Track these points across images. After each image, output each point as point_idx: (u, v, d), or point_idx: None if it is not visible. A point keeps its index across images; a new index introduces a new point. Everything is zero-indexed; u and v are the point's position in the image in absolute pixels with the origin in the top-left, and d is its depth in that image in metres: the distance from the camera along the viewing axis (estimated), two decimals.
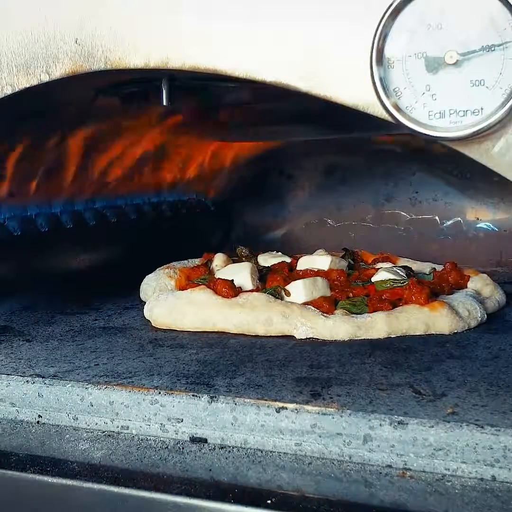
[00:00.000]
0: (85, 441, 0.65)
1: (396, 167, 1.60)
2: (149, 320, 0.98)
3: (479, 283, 1.07)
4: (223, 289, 0.94)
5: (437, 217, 1.55)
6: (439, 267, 1.14)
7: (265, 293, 0.94)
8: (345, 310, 0.91)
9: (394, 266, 1.11)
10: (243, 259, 1.21)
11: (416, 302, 0.91)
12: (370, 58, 0.65)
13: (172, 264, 1.19)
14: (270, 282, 1.02)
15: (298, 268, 1.12)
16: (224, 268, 1.10)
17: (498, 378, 0.69)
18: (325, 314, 0.89)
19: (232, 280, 0.97)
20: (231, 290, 0.95)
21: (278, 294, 0.96)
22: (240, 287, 0.98)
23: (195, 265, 1.20)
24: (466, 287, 1.06)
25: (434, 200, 1.56)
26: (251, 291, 0.97)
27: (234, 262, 1.18)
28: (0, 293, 1.12)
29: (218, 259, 1.18)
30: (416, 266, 1.20)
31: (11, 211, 1.10)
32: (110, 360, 0.79)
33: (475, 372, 0.72)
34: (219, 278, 0.98)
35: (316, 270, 1.09)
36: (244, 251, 1.24)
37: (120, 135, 1.25)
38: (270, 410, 0.62)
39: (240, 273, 1.01)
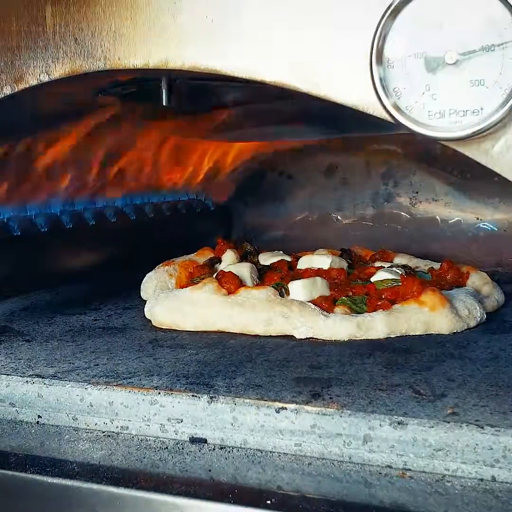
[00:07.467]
0: (85, 441, 0.65)
1: (396, 167, 1.60)
2: (149, 320, 0.98)
3: (478, 281, 1.06)
4: (228, 282, 0.96)
5: (437, 217, 1.55)
6: (437, 266, 1.14)
7: (268, 287, 0.94)
8: (345, 307, 0.91)
9: (393, 266, 1.11)
10: (247, 255, 1.22)
11: (410, 292, 0.92)
12: (370, 58, 0.65)
13: (173, 259, 1.19)
14: (268, 281, 1.02)
15: (298, 267, 1.12)
16: (224, 268, 1.09)
17: (498, 378, 0.69)
18: (325, 313, 0.89)
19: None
20: (236, 283, 0.96)
21: (280, 290, 0.96)
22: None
23: (199, 262, 1.19)
24: (465, 285, 1.06)
25: (434, 200, 1.56)
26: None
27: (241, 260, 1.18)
28: (0, 293, 1.12)
29: (226, 260, 1.18)
30: (414, 261, 1.20)
31: (11, 211, 1.10)
32: (110, 360, 0.79)
33: (475, 372, 0.72)
34: (229, 271, 0.99)
35: (316, 269, 1.09)
36: (248, 247, 1.24)
37: (119, 135, 1.25)
38: (270, 410, 0.62)
39: (239, 272, 1.01)
